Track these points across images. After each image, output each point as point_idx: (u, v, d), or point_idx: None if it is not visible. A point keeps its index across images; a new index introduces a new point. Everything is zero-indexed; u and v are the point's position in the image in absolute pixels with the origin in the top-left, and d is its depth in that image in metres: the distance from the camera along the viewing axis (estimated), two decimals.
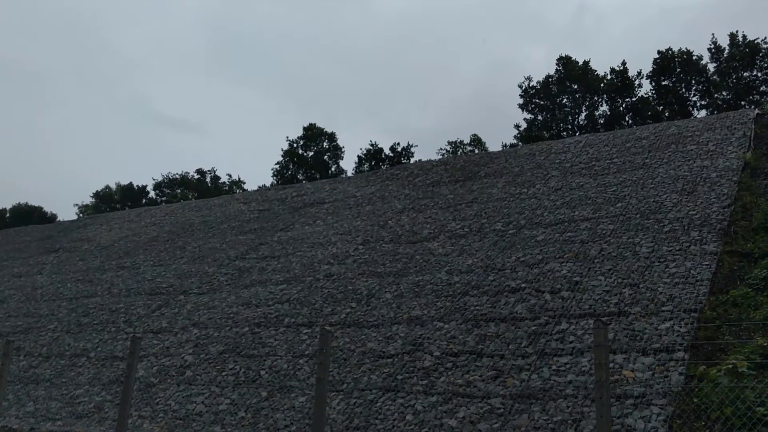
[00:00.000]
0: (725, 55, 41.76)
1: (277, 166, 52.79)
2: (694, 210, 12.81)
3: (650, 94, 43.59)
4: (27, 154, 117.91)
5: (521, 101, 47.45)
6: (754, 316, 8.96)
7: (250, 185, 60.10)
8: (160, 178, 58.81)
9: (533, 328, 10.24)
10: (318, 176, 49.03)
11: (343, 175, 47.74)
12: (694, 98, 42.98)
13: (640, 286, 10.55)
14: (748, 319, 8.93)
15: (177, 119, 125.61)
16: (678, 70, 42.61)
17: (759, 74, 40.77)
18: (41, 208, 56.60)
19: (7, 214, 56.17)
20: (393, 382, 9.97)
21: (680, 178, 14.62)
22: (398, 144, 50.55)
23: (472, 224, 15.65)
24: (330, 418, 9.40)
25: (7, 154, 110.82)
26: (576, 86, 45.63)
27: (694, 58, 42.37)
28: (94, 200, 59.39)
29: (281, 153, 53.41)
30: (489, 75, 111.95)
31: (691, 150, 16.27)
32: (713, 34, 61.27)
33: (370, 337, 11.55)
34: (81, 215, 54.45)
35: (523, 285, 11.75)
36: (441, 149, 52.06)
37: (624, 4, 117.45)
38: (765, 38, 40.42)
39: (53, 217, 55.04)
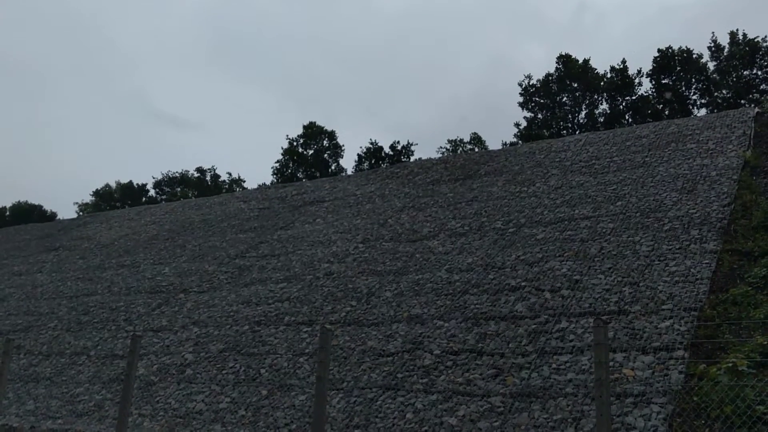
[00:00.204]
0: (725, 54, 41.74)
1: (277, 164, 52.79)
2: (694, 208, 12.81)
3: (650, 92, 43.58)
4: (27, 152, 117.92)
5: (521, 99, 47.45)
6: (754, 314, 8.96)
7: (250, 183, 60.09)
8: (160, 177, 58.83)
9: (533, 326, 10.25)
10: (318, 175, 49.03)
11: (343, 174, 47.72)
12: (694, 97, 42.98)
13: (640, 284, 10.55)
14: (748, 318, 8.94)
15: (177, 117, 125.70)
16: (678, 68, 42.59)
17: (759, 73, 40.76)
18: (41, 207, 56.60)
19: (7, 213, 56.17)
20: (393, 380, 9.98)
21: (680, 177, 14.62)
22: (398, 142, 50.59)
23: (472, 223, 15.65)
24: (330, 417, 9.40)
25: (7, 152, 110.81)
26: (576, 85, 45.61)
27: (694, 56, 42.36)
28: (94, 199, 59.39)
29: (281, 151, 53.43)
30: (489, 73, 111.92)
31: (691, 148, 16.27)
32: (713, 32, 61.28)
33: (370, 335, 11.56)
34: (81, 213, 54.46)
35: (523, 283, 11.75)
36: (441, 147, 52.05)
37: (624, 2, 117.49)
38: (765, 37, 40.42)
39: (53, 215, 55.04)
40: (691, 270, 10.55)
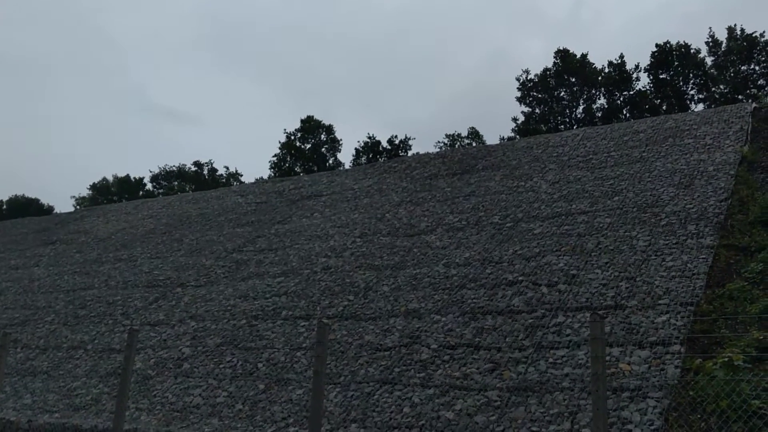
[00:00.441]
0: (723, 49, 41.75)
1: (275, 158, 52.77)
2: (691, 204, 12.83)
3: (648, 87, 43.59)
4: (24, 145, 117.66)
5: (519, 94, 47.44)
6: (750, 309, 8.98)
7: (248, 177, 60.06)
8: (157, 171, 58.79)
9: (530, 321, 10.27)
10: (316, 169, 48.99)
11: (341, 168, 47.70)
12: (692, 92, 43.00)
13: (637, 279, 10.57)
14: (744, 313, 8.96)
15: (174, 110, 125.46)
16: (676, 63, 42.59)
17: (757, 68, 40.79)
18: (38, 200, 56.55)
19: (4, 206, 56.09)
20: (390, 374, 9.99)
21: (677, 172, 14.64)
22: (396, 137, 50.59)
23: (470, 217, 15.65)
24: (327, 411, 9.42)
25: (4, 145, 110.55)
26: (574, 79, 45.60)
27: (692, 51, 42.35)
28: (91, 192, 59.34)
29: (279, 145, 53.37)
30: (486, 68, 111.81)
31: (689, 144, 16.28)
32: (710, 27, 61.17)
33: (368, 329, 11.57)
34: (78, 207, 54.40)
35: (520, 278, 11.77)
36: (439, 142, 52.07)
37: None
38: (763, 32, 40.42)
39: (50, 209, 54.98)
40: (688, 265, 10.57)
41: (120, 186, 58.02)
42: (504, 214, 15.22)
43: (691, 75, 42.70)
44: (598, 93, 45.36)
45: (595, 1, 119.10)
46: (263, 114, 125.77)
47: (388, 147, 49.76)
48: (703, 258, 10.69)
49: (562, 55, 46.06)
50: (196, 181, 56.52)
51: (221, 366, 11.79)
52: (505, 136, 46.11)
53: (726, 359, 7.66)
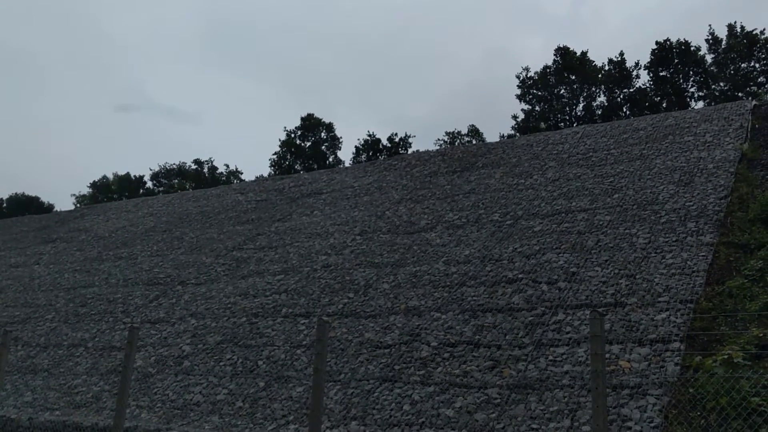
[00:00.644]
0: (723, 46, 41.71)
1: (275, 156, 52.77)
2: (690, 201, 12.83)
3: (648, 84, 43.56)
4: (23, 143, 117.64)
5: (519, 92, 47.42)
6: (749, 306, 8.99)
7: (248, 175, 60.09)
8: (157, 169, 58.79)
9: (530, 318, 10.28)
10: (316, 166, 48.99)
11: (341, 166, 47.72)
12: (692, 89, 42.97)
13: (637, 276, 10.58)
14: (744, 310, 8.97)
15: (172, 108, 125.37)
16: (676, 61, 42.56)
17: (757, 65, 40.76)
18: (38, 198, 56.53)
19: (4, 204, 56.09)
20: (390, 372, 10.01)
21: (677, 169, 14.64)
22: (396, 134, 50.57)
23: (470, 215, 15.66)
24: (327, 408, 9.44)
25: (3, 144, 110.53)
26: (574, 77, 45.57)
27: (692, 49, 42.32)
28: (91, 190, 59.34)
29: (279, 143, 53.38)
30: (486, 65, 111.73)
31: (688, 141, 16.28)
32: (710, 25, 61.13)
33: (368, 327, 11.58)
34: (78, 205, 54.40)
35: (520, 276, 11.78)
36: (439, 140, 52.07)
37: None
38: (763, 30, 40.40)
39: (50, 207, 54.97)
40: (688, 262, 10.57)
41: (120, 184, 58.02)
42: (504, 212, 15.23)
43: (691, 72, 42.67)
44: (598, 90, 45.34)
45: None
46: (263, 112, 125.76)
47: (388, 145, 49.76)
48: (702, 255, 10.69)
49: (562, 52, 46.03)
50: (197, 179, 56.53)
51: (221, 363, 11.80)
52: (505, 134, 46.12)
53: (726, 356, 7.68)
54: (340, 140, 53.53)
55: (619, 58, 44.39)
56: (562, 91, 46.30)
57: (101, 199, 53.78)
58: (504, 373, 9.14)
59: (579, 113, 45.55)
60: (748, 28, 40.84)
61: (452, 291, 11.99)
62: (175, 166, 58.56)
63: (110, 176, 59.64)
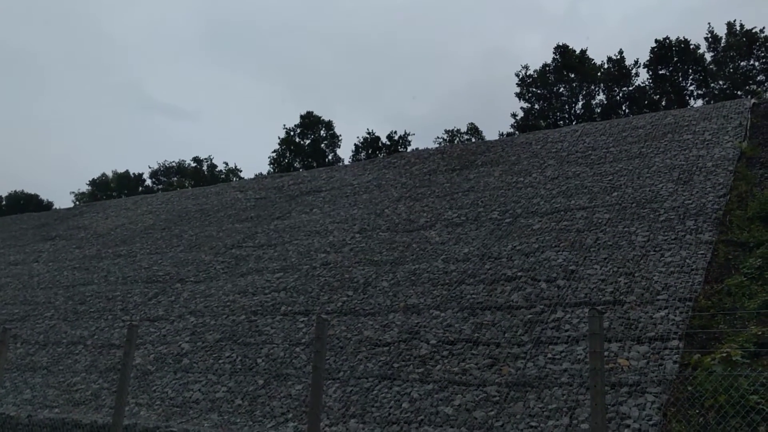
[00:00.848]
0: (722, 45, 41.69)
1: (274, 154, 52.69)
2: (689, 199, 12.84)
3: (647, 83, 43.54)
4: (22, 141, 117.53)
5: (518, 90, 47.36)
6: (748, 305, 9.00)
7: (247, 173, 60.04)
8: (156, 166, 58.74)
9: (529, 316, 10.28)
10: (315, 164, 48.95)
11: (340, 164, 47.65)
12: (691, 88, 42.95)
13: (636, 275, 10.58)
14: (743, 308, 8.98)
15: (171, 106, 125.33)
16: (675, 59, 42.54)
17: (756, 64, 40.72)
18: (37, 196, 56.42)
19: (3, 202, 56.01)
20: (389, 370, 10.01)
21: (676, 168, 14.64)
22: (395, 132, 50.57)
23: (469, 213, 15.66)
24: (326, 406, 9.44)
25: (2, 142, 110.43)
26: (573, 75, 45.53)
27: (691, 47, 42.29)
28: (90, 188, 59.23)
29: (278, 141, 53.31)
30: (485, 63, 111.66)
31: (687, 139, 16.29)
32: (709, 23, 61.04)
33: (367, 325, 11.58)
34: (77, 203, 54.33)
35: (519, 274, 11.78)
36: (438, 138, 51.99)
37: None
38: (763, 28, 40.36)
39: (49, 204, 54.88)
40: (687, 260, 10.58)
41: (119, 182, 57.93)
42: (503, 210, 15.23)
43: (690, 71, 42.63)
44: (597, 89, 45.29)
45: None
46: (263, 110, 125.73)
47: (388, 143, 49.69)
48: (701, 254, 10.70)
49: (562, 50, 45.97)
50: (196, 176, 56.47)
51: (220, 361, 11.81)
52: (504, 132, 46.07)
53: (724, 354, 7.69)
54: (340, 138, 53.47)
55: (619, 57, 44.36)
56: (562, 89, 46.25)
57: (100, 197, 53.69)
58: (503, 370, 9.15)
59: (578, 111, 45.52)
60: (748, 27, 40.81)
61: (451, 289, 12.00)
62: (174, 164, 58.53)
63: (109, 174, 59.57)
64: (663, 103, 42.22)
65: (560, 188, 15.55)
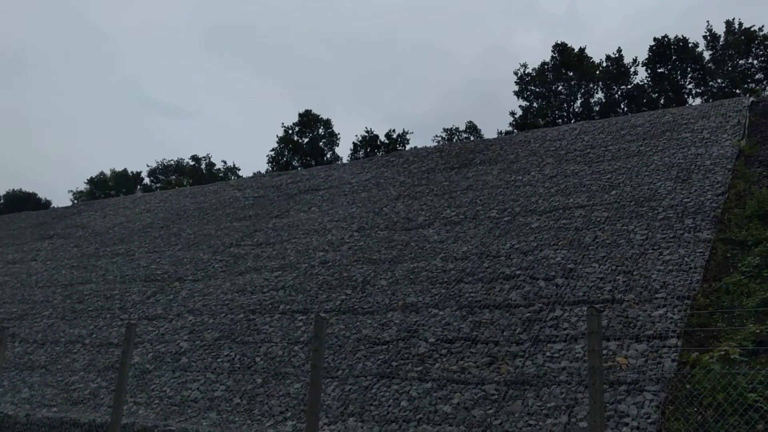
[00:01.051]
0: (721, 43, 41.69)
1: (273, 152, 52.65)
2: (688, 198, 12.84)
3: (646, 81, 43.54)
4: (20, 140, 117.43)
5: (517, 88, 47.36)
6: (746, 303, 9.00)
7: (246, 172, 59.96)
8: (154, 165, 58.71)
9: (527, 314, 10.28)
10: (313, 163, 48.92)
11: (339, 162, 47.62)
12: (690, 86, 42.95)
13: (634, 273, 10.58)
14: (741, 306, 8.98)
15: (170, 105, 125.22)
16: (674, 57, 42.54)
17: (754, 62, 40.74)
18: (35, 195, 56.34)
19: (1, 201, 55.94)
20: (388, 368, 10.01)
21: (675, 166, 14.64)
22: (394, 131, 50.44)
23: (467, 211, 15.65)
24: (325, 405, 9.44)
25: (0, 140, 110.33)
26: (572, 73, 45.53)
27: (690, 45, 42.30)
28: (88, 187, 59.17)
29: (276, 139, 53.27)
30: (484, 62, 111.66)
31: (686, 138, 16.29)
32: (708, 21, 61.06)
33: (365, 323, 11.58)
34: (75, 202, 54.27)
35: (517, 272, 11.78)
36: (436, 136, 51.98)
37: None
38: (761, 26, 40.37)
39: (47, 203, 54.80)
40: (685, 259, 10.59)
41: (117, 180, 57.88)
42: (501, 208, 15.23)
43: (688, 69, 42.64)
44: (595, 87, 45.29)
45: None
46: (261, 108, 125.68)
47: (386, 141, 49.66)
48: (700, 252, 10.70)
49: (560, 49, 45.97)
50: (194, 175, 56.42)
51: (219, 360, 11.80)
52: (503, 130, 46.06)
53: (722, 353, 7.69)
54: (338, 137, 53.42)
55: (617, 55, 44.36)
56: (560, 87, 46.25)
57: (98, 196, 53.62)
58: (501, 369, 9.15)
59: (577, 110, 45.53)
60: (746, 25, 40.84)
61: (450, 287, 11.99)
62: (172, 163, 58.50)
63: (107, 172, 59.51)
64: (662, 101, 42.24)
65: (559, 186, 15.55)
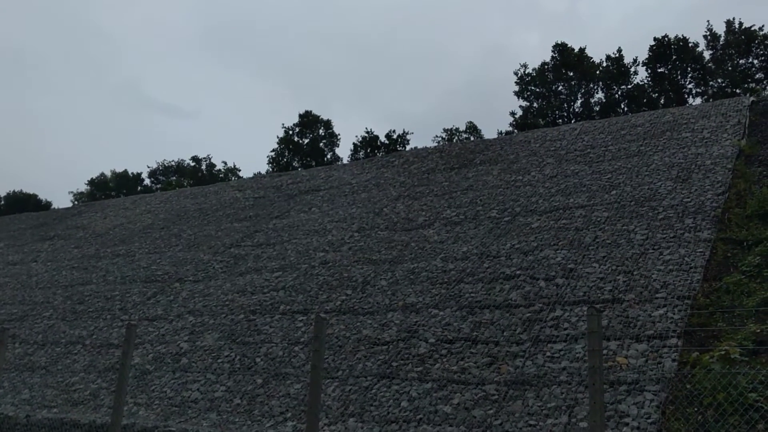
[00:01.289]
0: (721, 43, 41.67)
1: (273, 153, 52.65)
2: (688, 197, 12.83)
3: (646, 81, 43.52)
4: (20, 140, 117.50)
5: (517, 88, 47.33)
6: (747, 302, 9.00)
7: (246, 172, 59.90)
8: (155, 166, 58.71)
9: (528, 315, 10.28)
10: (314, 163, 48.91)
11: (339, 163, 47.62)
12: (690, 86, 42.93)
13: (634, 273, 10.58)
14: (741, 306, 8.98)
15: (170, 105, 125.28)
16: (674, 57, 42.52)
17: (755, 62, 40.70)
18: (36, 196, 56.34)
19: (2, 202, 55.96)
20: (388, 368, 10.00)
21: (675, 166, 14.64)
22: (394, 131, 50.44)
23: (467, 211, 15.65)
24: (325, 405, 9.43)
25: (0, 141, 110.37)
26: (572, 73, 45.51)
27: (690, 45, 42.28)
28: (89, 188, 59.17)
29: (277, 140, 53.26)
30: (484, 62, 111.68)
31: (686, 137, 16.28)
32: (708, 21, 61.04)
33: (366, 324, 11.58)
34: (76, 203, 54.32)
35: (517, 272, 11.78)
36: (436, 136, 51.98)
37: None
38: (762, 26, 40.34)
39: (48, 204, 54.81)
40: (685, 258, 10.58)
41: (118, 181, 57.88)
42: (502, 209, 15.22)
43: (689, 69, 42.61)
44: (596, 87, 45.26)
45: None
46: (261, 109, 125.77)
47: (386, 142, 49.65)
48: (700, 251, 10.70)
49: (560, 48, 45.95)
50: (194, 176, 56.41)
51: (219, 361, 11.80)
52: (503, 131, 46.04)
53: (723, 352, 7.68)
54: (338, 137, 53.40)
55: (617, 55, 44.34)
56: (560, 87, 46.23)
57: (99, 197, 53.63)
58: (501, 369, 9.14)
59: (577, 110, 45.50)
60: (746, 24, 40.80)
61: (450, 288, 11.99)
62: (173, 163, 58.50)
63: (108, 173, 59.52)
64: (662, 101, 42.21)
65: (559, 187, 15.54)
